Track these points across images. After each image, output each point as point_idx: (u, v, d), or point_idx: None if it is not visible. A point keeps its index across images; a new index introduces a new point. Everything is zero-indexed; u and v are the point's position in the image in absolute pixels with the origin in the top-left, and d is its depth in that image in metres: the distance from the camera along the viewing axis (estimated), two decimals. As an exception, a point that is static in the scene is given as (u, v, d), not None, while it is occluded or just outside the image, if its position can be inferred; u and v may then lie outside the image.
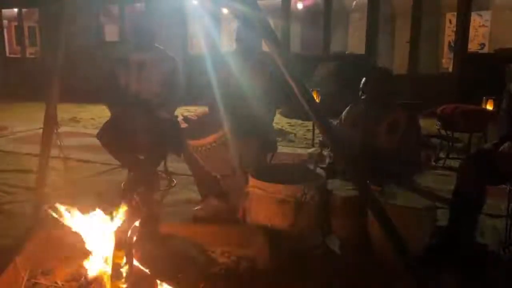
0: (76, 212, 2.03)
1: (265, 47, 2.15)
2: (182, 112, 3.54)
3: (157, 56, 3.28)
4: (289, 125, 6.91)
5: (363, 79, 2.84)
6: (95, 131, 3.33)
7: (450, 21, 10.09)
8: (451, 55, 9.17)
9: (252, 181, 2.52)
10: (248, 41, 3.05)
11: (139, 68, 3.22)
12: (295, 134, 6.23)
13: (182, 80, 3.33)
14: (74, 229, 2.00)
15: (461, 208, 2.45)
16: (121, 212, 1.91)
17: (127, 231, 1.85)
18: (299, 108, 1.94)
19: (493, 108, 4.35)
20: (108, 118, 3.34)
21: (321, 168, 2.85)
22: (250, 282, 2.02)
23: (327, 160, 2.92)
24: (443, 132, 4.50)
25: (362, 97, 2.84)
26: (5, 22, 12.50)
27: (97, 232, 1.98)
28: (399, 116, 2.74)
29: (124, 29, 10.19)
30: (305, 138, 5.97)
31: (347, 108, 2.96)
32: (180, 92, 3.31)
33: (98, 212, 2.02)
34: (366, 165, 2.47)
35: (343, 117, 2.95)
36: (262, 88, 2.96)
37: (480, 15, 10.25)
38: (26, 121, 7.42)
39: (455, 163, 4.26)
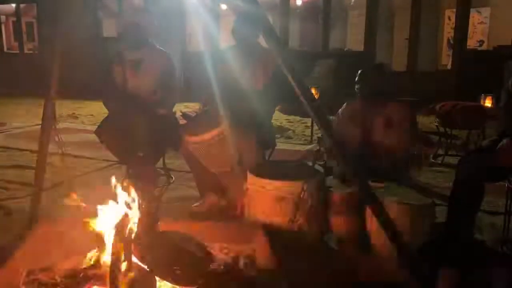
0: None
1: (263, 42, 2.14)
2: (181, 108, 3.53)
3: (151, 53, 3.27)
4: (287, 122, 6.91)
5: (357, 76, 2.83)
6: (94, 127, 3.33)
7: (449, 17, 10.07)
8: (450, 52, 9.17)
9: (250, 178, 2.52)
10: (245, 35, 3.02)
11: (135, 65, 3.21)
12: (293, 131, 6.23)
13: (178, 77, 3.32)
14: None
15: (459, 205, 2.46)
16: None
17: (126, 227, 1.85)
18: (298, 105, 1.94)
19: (492, 105, 4.36)
20: (106, 115, 3.34)
21: (320, 164, 2.86)
22: (249, 279, 2.02)
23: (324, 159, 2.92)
24: (441, 129, 4.51)
25: (357, 94, 2.84)
26: (2, 17, 12.48)
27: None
28: (394, 112, 2.74)
29: (121, 25, 10.16)
30: (304, 134, 5.97)
31: (344, 105, 2.96)
32: (176, 89, 3.31)
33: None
34: (364, 161, 2.48)
35: (340, 113, 2.95)
36: (261, 85, 2.95)
37: (479, 12, 10.24)
38: (24, 117, 7.41)
39: (454, 160, 4.26)
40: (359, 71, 2.82)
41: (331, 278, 2.18)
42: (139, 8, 3.58)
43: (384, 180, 2.52)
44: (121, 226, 1.83)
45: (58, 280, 1.92)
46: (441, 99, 4.77)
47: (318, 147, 3.16)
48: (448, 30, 10.30)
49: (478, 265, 2.33)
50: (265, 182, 2.44)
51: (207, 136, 2.73)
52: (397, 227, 1.89)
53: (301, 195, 2.38)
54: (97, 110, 7.85)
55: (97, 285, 1.85)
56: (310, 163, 2.92)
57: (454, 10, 8.58)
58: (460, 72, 7.99)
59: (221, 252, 2.22)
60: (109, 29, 10.86)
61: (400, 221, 1.96)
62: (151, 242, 1.91)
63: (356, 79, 2.81)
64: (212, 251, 2.16)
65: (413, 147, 2.88)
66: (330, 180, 2.66)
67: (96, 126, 3.29)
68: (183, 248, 1.99)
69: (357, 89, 2.80)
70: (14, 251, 2.08)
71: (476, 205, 2.46)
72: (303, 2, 11.35)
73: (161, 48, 3.33)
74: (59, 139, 2.84)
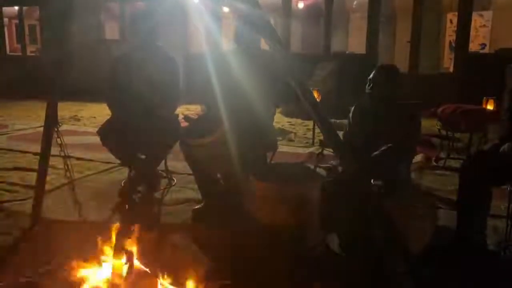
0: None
1: (264, 46, 2.15)
2: (183, 111, 3.54)
3: (157, 55, 3.27)
4: (289, 124, 6.91)
5: (371, 75, 2.82)
6: (96, 130, 3.33)
7: (451, 21, 10.08)
8: (452, 55, 9.17)
9: (252, 180, 2.52)
10: (247, 41, 3.04)
11: (140, 67, 3.21)
12: (295, 133, 6.23)
13: (181, 81, 3.31)
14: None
15: (467, 210, 2.45)
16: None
17: (128, 231, 1.85)
18: (299, 107, 1.95)
19: (494, 108, 4.35)
20: (109, 117, 3.34)
21: (322, 167, 2.86)
22: (251, 282, 2.02)
23: (333, 163, 2.91)
24: (443, 132, 4.50)
25: (368, 93, 2.83)
26: (5, 20, 12.48)
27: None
28: (404, 114, 2.75)
29: (125, 27, 10.20)
30: (306, 137, 5.97)
31: (353, 108, 2.97)
32: (179, 92, 3.31)
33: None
34: (369, 163, 2.48)
35: (351, 116, 2.96)
36: (263, 87, 2.96)
37: (481, 15, 10.25)
38: (27, 119, 7.43)
39: (456, 163, 4.26)
40: (373, 72, 2.81)
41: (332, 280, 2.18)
42: (147, 10, 3.59)
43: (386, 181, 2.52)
44: (122, 229, 1.83)
45: (60, 281, 1.92)
46: (443, 102, 4.76)
47: (320, 150, 3.17)
48: (450, 33, 10.30)
49: (479, 269, 2.32)
50: (266, 185, 2.44)
51: (208, 138, 2.73)
52: (400, 229, 1.88)
53: (303, 198, 2.38)
54: (99, 112, 7.86)
55: (98, 287, 1.85)
56: (312, 166, 2.92)
57: (456, 13, 8.58)
58: (462, 75, 7.98)
59: (222, 254, 2.21)
60: (111, 31, 10.90)
61: (403, 224, 1.95)
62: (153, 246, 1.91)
63: (369, 78, 2.81)
64: (213, 253, 2.16)
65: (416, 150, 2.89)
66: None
67: (98, 128, 3.30)
68: (185, 251, 1.99)
69: (368, 89, 2.80)
70: (16, 253, 2.08)
71: (484, 208, 2.45)
72: (305, 5, 11.36)
73: (167, 52, 3.33)
74: (61, 142, 2.85)
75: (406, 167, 2.89)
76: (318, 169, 2.82)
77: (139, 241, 1.89)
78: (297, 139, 5.90)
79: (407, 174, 2.91)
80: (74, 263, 2.01)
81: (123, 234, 1.85)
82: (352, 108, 2.99)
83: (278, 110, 6.28)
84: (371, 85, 2.79)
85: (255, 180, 2.50)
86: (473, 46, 9.64)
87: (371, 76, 2.81)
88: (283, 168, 2.82)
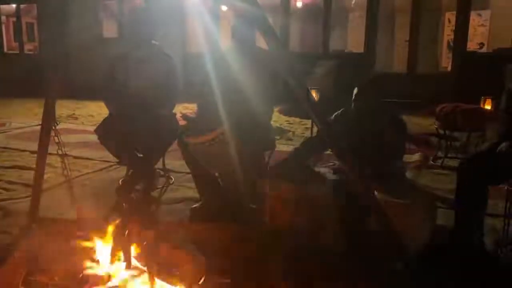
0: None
1: (263, 44, 2.15)
2: (181, 109, 3.53)
3: (153, 53, 3.27)
4: (287, 123, 6.91)
5: (356, 89, 2.81)
6: (94, 128, 3.32)
7: (449, 20, 10.08)
8: (450, 54, 9.17)
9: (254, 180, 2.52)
10: (244, 38, 3.03)
11: (137, 65, 3.21)
12: (293, 132, 6.23)
13: (178, 79, 3.32)
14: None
15: (466, 209, 2.45)
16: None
17: (125, 228, 1.85)
18: (298, 106, 1.95)
19: (492, 107, 4.35)
20: (106, 115, 3.34)
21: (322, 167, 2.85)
22: (251, 281, 2.02)
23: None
24: (441, 131, 4.51)
25: (355, 104, 2.82)
26: (3, 17, 12.47)
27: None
28: (389, 118, 2.75)
29: (123, 25, 10.17)
30: (304, 136, 5.97)
31: (340, 112, 2.93)
32: (176, 90, 3.31)
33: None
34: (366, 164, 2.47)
35: (334, 117, 2.93)
36: (261, 86, 2.95)
37: (480, 15, 10.24)
38: (24, 117, 7.41)
39: (454, 162, 4.27)
40: (356, 89, 2.80)
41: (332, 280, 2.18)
42: (142, 8, 3.63)
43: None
44: (120, 228, 1.83)
45: (57, 281, 1.92)
46: (441, 101, 4.77)
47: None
48: (448, 33, 10.30)
49: (478, 268, 2.33)
50: (267, 183, 2.44)
51: (206, 137, 2.73)
52: (398, 228, 1.89)
53: (304, 197, 2.38)
54: (97, 110, 7.85)
55: (96, 286, 1.85)
56: (312, 165, 2.91)
57: (455, 12, 8.59)
58: (460, 74, 7.99)
59: (220, 253, 2.21)
60: (109, 29, 10.87)
61: (401, 223, 1.95)
62: (150, 243, 1.91)
63: (353, 96, 2.80)
64: (211, 252, 2.16)
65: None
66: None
67: (96, 126, 3.29)
68: (183, 249, 1.99)
69: (354, 103, 2.80)
70: (14, 252, 2.08)
71: (482, 208, 2.45)
72: (303, 3, 11.35)
73: (163, 50, 3.33)
74: (58, 140, 2.84)
75: (400, 166, 2.88)
76: (317, 169, 2.81)
77: (137, 240, 1.89)
78: (295, 138, 5.91)
79: (402, 172, 2.90)
80: (72, 262, 2.01)
81: (120, 232, 1.85)
82: (339, 113, 2.94)
83: (276, 109, 6.26)
84: (357, 96, 2.79)
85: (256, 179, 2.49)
86: (471, 45, 9.64)
87: (354, 94, 2.80)
88: (283, 167, 2.81)
